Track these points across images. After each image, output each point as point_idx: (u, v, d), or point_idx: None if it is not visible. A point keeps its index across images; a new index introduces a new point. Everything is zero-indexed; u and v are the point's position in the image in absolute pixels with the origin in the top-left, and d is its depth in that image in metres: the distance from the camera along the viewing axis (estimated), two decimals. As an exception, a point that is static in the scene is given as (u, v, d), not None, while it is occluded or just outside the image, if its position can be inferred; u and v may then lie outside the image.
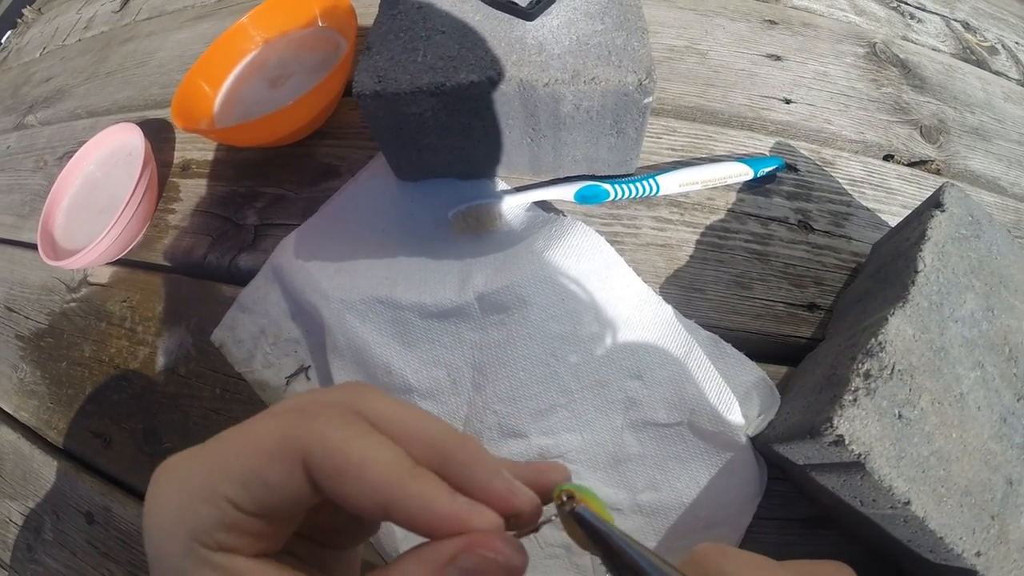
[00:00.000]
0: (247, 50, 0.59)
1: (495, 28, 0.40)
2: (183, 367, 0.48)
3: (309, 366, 0.43)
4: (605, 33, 0.38)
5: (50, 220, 0.55)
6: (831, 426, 0.29)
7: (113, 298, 0.53)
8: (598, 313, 0.37)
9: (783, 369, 0.39)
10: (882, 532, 0.32)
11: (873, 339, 0.31)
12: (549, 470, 0.19)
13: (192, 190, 0.55)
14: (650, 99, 0.38)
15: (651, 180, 0.43)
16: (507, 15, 0.40)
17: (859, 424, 0.29)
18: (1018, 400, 0.32)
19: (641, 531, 0.35)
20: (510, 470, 0.20)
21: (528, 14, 0.40)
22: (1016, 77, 0.58)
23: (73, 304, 0.55)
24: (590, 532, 0.17)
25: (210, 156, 0.57)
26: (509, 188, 0.45)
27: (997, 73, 0.57)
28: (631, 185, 0.43)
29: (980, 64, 0.57)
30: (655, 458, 0.36)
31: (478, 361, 0.37)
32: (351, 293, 0.40)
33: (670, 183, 0.43)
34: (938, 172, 0.49)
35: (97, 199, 0.55)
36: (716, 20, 0.56)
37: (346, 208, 0.47)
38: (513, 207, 0.43)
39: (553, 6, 0.40)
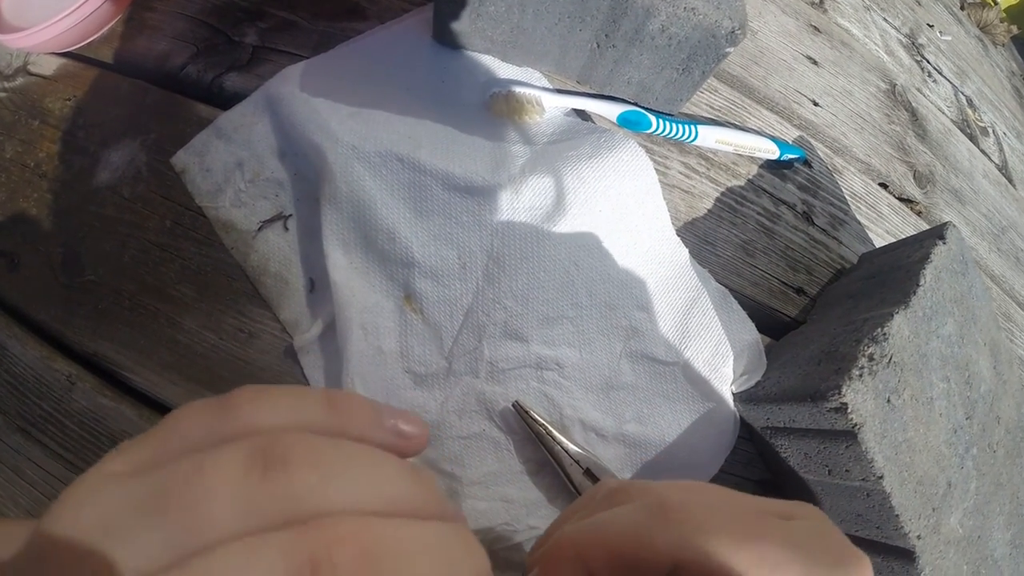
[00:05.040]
0: None
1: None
2: (128, 188, 0.40)
3: (290, 215, 0.38)
4: (710, -27, 0.36)
5: (-4, -15, 0.44)
6: (838, 393, 0.30)
7: (55, 94, 0.44)
8: (625, 235, 0.36)
9: (765, 339, 0.41)
10: (832, 504, 0.34)
11: (879, 328, 0.32)
12: None
13: (179, -12, 0.47)
14: (731, 50, 0.37)
15: (692, 126, 0.43)
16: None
17: (860, 398, 0.30)
18: (967, 418, 0.35)
19: (620, 460, 0.35)
20: None
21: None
22: (996, 162, 0.64)
23: (3, 94, 0.44)
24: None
25: (209, -44, 0.48)
26: (550, 86, 0.42)
27: (983, 152, 0.63)
28: (674, 124, 0.42)
29: (972, 139, 0.63)
30: (646, 392, 0.35)
31: (496, 250, 0.35)
32: (366, 142, 0.36)
33: (708, 136, 0.43)
34: (919, 214, 0.53)
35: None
36: (769, 6, 0.56)
37: (371, 53, 0.41)
38: (555, 105, 0.41)
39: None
